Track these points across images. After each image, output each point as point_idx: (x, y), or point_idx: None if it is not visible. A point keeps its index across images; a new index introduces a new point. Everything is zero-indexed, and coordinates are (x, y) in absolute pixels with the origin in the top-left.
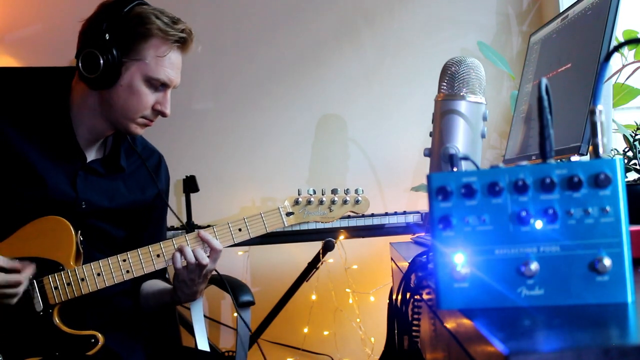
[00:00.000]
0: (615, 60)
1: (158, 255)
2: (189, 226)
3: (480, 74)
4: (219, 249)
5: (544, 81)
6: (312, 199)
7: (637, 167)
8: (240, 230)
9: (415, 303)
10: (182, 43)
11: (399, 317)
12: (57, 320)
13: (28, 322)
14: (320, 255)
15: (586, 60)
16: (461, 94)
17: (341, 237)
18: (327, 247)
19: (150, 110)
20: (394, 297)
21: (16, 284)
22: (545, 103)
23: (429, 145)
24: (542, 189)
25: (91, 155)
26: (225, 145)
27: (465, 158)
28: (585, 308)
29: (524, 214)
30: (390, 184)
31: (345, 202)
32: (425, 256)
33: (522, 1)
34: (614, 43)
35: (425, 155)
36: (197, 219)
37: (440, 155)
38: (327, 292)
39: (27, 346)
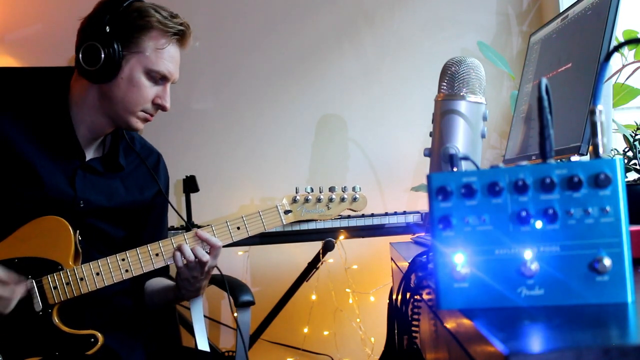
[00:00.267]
0: (615, 60)
1: (157, 255)
2: (190, 226)
3: (480, 74)
4: (219, 245)
5: (544, 81)
6: (309, 197)
7: (637, 167)
8: (238, 228)
9: (415, 303)
10: (181, 36)
11: (399, 317)
12: (56, 320)
13: (27, 322)
14: (320, 255)
15: (586, 60)
16: (461, 94)
17: (341, 237)
18: (327, 247)
19: (150, 104)
20: (394, 297)
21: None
22: (545, 103)
23: (429, 145)
24: (542, 189)
25: (90, 154)
26: (225, 145)
27: (465, 158)
28: (585, 308)
29: (524, 214)
30: (390, 184)
31: (343, 199)
32: (425, 256)
33: (522, 1)
34: (614, 43)
35: (425, 155)
36: (197, 219)
37: (440, 155)
38: (327, 292)
39: (26, 346)
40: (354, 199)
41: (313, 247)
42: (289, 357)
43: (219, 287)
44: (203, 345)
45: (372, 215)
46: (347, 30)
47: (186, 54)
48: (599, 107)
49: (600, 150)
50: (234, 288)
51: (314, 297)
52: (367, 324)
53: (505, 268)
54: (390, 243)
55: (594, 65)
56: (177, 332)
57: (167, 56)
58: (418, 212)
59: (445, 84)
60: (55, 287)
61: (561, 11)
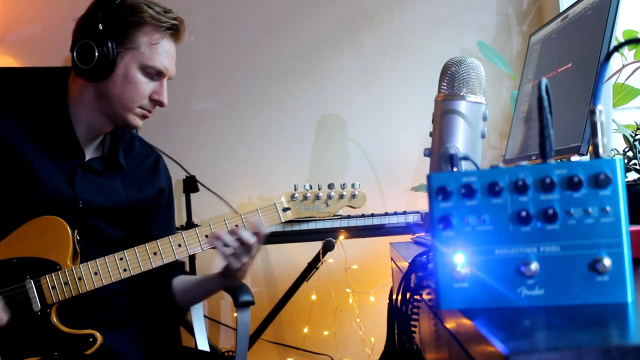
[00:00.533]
0: (615, 60)
1: (155, 254)
2: (189, 226)
3: (480, 74)
4: (265, 233)
5: (544, 81)
6: (308, 194)
7: (637, 167)
8: (237, 226)
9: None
10: (175, 31)
11: (399, 317)
12: (55, 319)
13: (26, 322)
14: (320, 255)
15: (586, 60)
16: (461, 94)
17: (341, 237)
18: (327, 247)
19: (147, 100)
20: (394, 297)
21: None
22: (545, 103)
23: (429, 145)
24: (542, 189)
25: (90, 154)
26: (225, 145)
27: (465, 158)
28: (585, 308)
29: (524, 214)
30: (390, 184)
31: (341, 196)
32: (425, 256)
33: (522, 1)
34: (614, 43)
35: (425, 155)
36: (197, 219)
37: (440, 155)
38: (327, 292)
39: (25, 346)
40: (353, 196)
41: (313, 247)
42: (289, 357)
43: None
44: (203, 345)
45: (372, 215)
46: (347, 30)
47: (186, 54)
48: (599, 107)
49: (600, 150)
50: (233, 288)
51: (314, 297)
52: (367, 324)
53: (505, 268)
54: (390, 243)
55: (594, 65)
56: (177, 332)
57: (161, 51)
58: (418, 212)
59: (445, 84)
60: (53, 287)
61: (561, 11)
